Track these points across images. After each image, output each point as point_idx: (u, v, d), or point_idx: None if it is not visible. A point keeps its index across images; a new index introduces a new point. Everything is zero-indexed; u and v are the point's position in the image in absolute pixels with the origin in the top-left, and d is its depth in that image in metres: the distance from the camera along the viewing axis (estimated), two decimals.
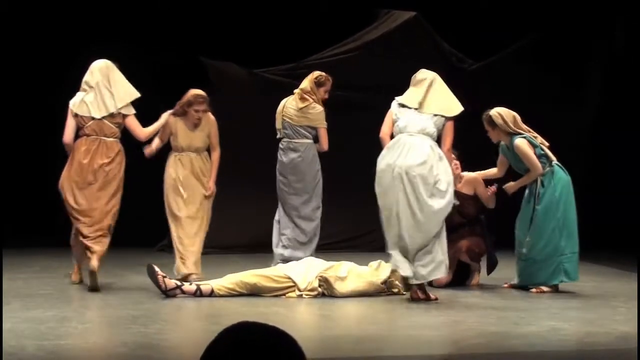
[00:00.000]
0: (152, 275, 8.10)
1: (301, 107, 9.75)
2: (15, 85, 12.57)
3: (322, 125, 9.79)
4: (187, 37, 12.64)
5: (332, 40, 12.26)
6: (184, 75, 11.15)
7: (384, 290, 8.54)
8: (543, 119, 10.10)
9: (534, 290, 8.92)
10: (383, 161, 8.33)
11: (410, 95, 8.67)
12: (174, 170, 9.29)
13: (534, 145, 8.99)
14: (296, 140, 9.83)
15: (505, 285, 9.21)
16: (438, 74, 11.50)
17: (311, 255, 9.39)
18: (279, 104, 10.04)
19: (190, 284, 8.14)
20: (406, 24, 12.16)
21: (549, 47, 12.61)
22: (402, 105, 8.61)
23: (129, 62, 10.69)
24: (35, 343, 6.12)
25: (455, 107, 8.57)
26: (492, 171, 9.40)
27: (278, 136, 9.93)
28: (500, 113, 9.08)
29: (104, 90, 8.99)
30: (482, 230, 9.29)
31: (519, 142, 8.98)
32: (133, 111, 9.11)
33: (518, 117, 9.13)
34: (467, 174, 9.42)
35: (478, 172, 9.47)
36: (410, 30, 12.12)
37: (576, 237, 8.98)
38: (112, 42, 12.52)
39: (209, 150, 9.46)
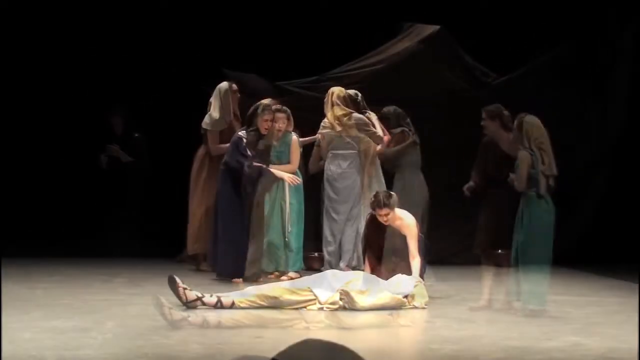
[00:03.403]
0: (173, 286, 8.09)
1: None
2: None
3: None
4: (209, 48, 12.67)
5: (356, 54, 12.26)
6: (207, 86, 11.17)
7: (405, 303, 8.49)
8: (566, 132, 10.04)
9: None
10: None
11: None
12: None
13: (533, 167, 8.87)
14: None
15: None
16: (462, 87, 11.66)
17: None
18: (300, 116, 10.06)
19: (211, 296, 8.12)
20: (430, 38, 12.12)
21: (572, 60, 12.53)
22: None
23: (149, 74, 10.76)
24: (55, 353, 6.13)
25: None
26: None
27: None
28: (534, 125, 8.93)
29: None
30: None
31: (523, 155, 8.84)
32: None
33: (547, 137, 8.94)
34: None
35: None
36: (434, 44, 12.08)
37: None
38: (131, 56, 12.62)
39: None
